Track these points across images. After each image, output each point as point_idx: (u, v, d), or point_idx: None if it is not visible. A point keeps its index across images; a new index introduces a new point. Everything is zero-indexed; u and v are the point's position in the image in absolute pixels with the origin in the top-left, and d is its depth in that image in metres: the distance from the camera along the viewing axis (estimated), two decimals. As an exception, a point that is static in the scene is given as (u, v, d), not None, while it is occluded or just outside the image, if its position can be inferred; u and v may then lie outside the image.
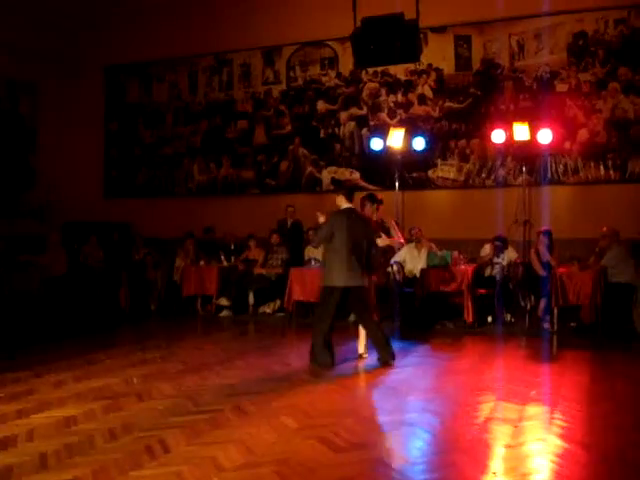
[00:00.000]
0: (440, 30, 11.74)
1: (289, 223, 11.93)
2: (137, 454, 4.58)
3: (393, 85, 12.19)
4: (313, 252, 11.40)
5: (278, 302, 11.25)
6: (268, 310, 11.44)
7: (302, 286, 10.31)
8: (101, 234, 12.46)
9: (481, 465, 4.39)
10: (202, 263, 11.62)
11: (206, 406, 5.87)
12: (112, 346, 8.77)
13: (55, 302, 10.47)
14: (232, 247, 12.05)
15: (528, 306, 10.00)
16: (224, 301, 11.45)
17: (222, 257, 11.79)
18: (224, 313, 11.35)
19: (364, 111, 12.41)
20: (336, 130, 12.62)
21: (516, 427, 5.16)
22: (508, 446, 4.74)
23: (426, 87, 11.97)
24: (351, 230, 7.15)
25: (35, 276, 10.38)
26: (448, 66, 11.84)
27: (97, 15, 13.76)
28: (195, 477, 4.17)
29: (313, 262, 10.99)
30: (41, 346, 8.84)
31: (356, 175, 12.40)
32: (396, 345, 8.74)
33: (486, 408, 5.72)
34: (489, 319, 10.11)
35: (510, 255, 10.29)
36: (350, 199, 7.39)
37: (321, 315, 7.30)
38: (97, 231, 12.48)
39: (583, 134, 11.00)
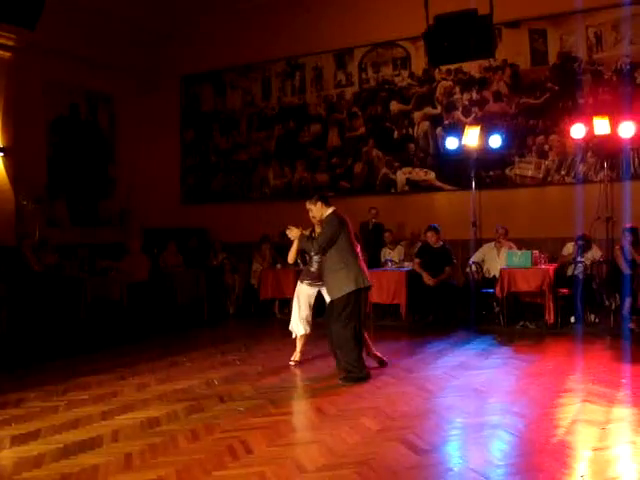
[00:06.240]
0: (514, 25, 11.47)
1: (371, 225, 11.87)
2: (220, 454, 4.62)
3: (467, 83, 12.00)
4: (389, 254, 11.37)
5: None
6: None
7: (379, 288, 10.23)
8: (179, 240, 12.67)
9: (568, 468, 4.27)
10: (279, 267, 11.68)
11: (286, 407, 5.90)
12: (192, 349, 8.92)
13: (137, 307, 10.72)
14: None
15: (613, 305, 9.70)
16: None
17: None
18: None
19: (438, 110, 12.25)
20: (410, 130, 12.49)
21: (603, 429, 5.01)
22: (595, 449, 4.60)
23: (501, 83, 11.73)
24: (348, 231, 6.99)
25: (117, 282, 10.63)
26: (523, 61, 11.57)
27: (171, 26, 14.00)
28: (278, 477, 4.18)
29: (390, 264, 10.95)
30: (124, 350, 9.08)
31: (431, 175, 12.23)
32: (476, 347, 8.67)
33: (571, 410, 5.58)
34: (572, 319, 9.86)
35: (594, 254, 10.03)
36: (328, 204, 7.13)
37: (349, 326, 6.80)
38: (175, 237, 12.69)
39: (666, 127, 10.60)
